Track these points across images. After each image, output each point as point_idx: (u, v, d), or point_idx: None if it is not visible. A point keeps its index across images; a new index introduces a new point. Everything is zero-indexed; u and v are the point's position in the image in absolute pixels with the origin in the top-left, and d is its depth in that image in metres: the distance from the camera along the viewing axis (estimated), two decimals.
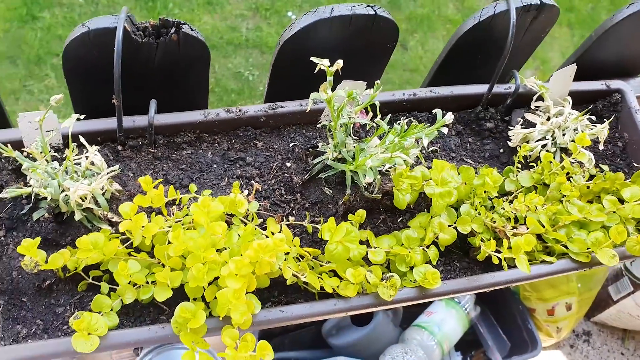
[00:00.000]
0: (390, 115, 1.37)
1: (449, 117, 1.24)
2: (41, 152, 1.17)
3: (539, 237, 1.37)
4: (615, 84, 1.63)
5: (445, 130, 1.26)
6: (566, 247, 1.36)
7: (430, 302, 2.41)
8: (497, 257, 1.27)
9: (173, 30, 1.24)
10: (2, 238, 1.21)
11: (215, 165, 1.37)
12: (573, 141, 1.43)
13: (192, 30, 1.26)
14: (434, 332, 2.28)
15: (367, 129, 1.43)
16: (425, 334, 2.28)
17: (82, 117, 1.17)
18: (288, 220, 1.33)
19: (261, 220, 1.29)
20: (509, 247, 1.27)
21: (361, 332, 2.24)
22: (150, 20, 1.24)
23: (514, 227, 1.33)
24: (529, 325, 2.50)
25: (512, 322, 2.57)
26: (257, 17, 3.59)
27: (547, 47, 3.91)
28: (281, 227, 1.27)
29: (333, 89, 1.23)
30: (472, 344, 2.54)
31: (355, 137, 1.35)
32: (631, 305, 2.60)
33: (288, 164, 1.39)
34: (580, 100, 1.60)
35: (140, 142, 1.34)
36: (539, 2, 1.43)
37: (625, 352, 2.79)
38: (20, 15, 3.26)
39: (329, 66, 1.18)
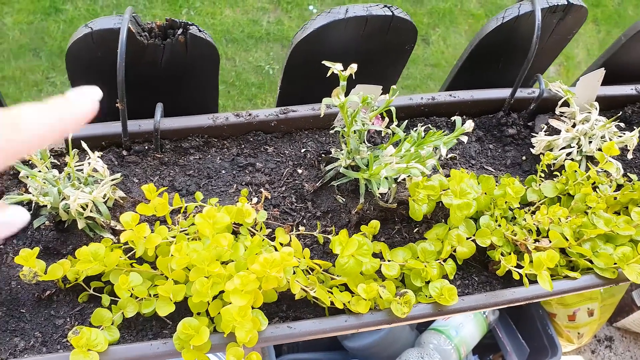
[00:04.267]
0: (407, 120, 1.31)
1: (469, 124, 1.16)
2: (40, 159, 1.12)
3: (562, 250, 1.30)
4: None
5: (465, 138, 1.19)
6: (591, 261, 1.29)
7: None
8: (517, 272, 1.21)
9: (180, 31, 1.19)
10: (1, 246, 1.16)
11: (223, 171, 1.31)
12: (600, 149, 1.35)
13: (200, 31, 1.20)
14: (451, 336, 2.24)
15: (383, 134, 1.37)
16: (442, 337, 2.25)
17: None
18: (298, 230, 1.27)
19: (270, 230, 1.24)
20: (531, 262, 1.20)
21: (377, 335, 2.21)
22: (156, 20, 1.19)
23: (535, 240, 1.26)
24: (549, 331, 2.45)
25: (532, 327, 2.51)
26: (278, 11, 3.54)
27: (572, 44, 3.82)
28: (290, 238, 1.21)
29: (347, 93, 1.16)
30: (490, 348, 2.50)
31: (369, 144, 1.29)
32: None
33: (299, 171, 1.33)
34: (608, 106, 1.53)
35: (146, 147, 1.29)
36: (566, 3, 1.36)
37: None
38: (43, 8, 3.24)
39: (342, 70, 1.12)
